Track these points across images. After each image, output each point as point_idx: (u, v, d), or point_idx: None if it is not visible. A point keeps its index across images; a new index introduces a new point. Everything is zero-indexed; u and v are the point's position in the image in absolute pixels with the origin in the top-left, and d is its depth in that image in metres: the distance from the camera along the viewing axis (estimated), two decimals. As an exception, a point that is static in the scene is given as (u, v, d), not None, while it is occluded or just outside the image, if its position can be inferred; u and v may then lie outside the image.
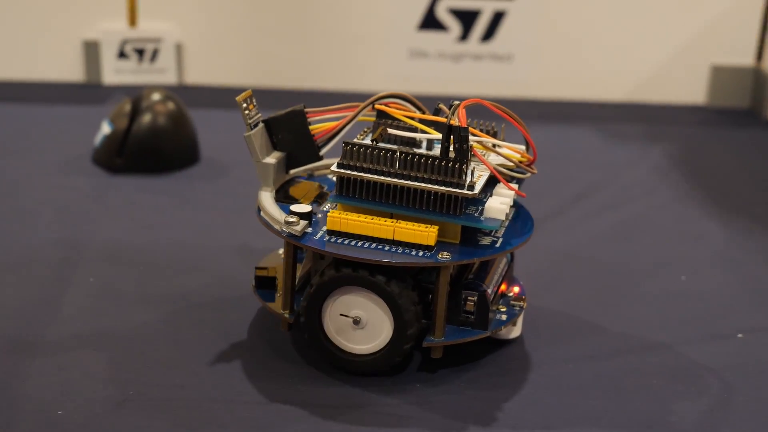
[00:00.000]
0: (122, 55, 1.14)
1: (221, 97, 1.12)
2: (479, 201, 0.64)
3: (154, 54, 1.13)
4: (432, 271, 0.62)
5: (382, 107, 0.65)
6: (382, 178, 0.61)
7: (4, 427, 0.58)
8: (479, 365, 0.67)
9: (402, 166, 0.61)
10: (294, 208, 0.63)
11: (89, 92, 1.13)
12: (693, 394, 0.66)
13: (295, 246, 0.63)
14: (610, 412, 0.64)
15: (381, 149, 0.61)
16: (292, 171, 0.68)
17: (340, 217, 0.61)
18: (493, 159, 0.66)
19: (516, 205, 0.68)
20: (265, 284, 0.66)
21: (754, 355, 0.72)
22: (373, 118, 0.66)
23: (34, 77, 1.13)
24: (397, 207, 0.62)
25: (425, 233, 0.61)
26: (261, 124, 0.66)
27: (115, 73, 1.14)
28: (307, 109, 0.65)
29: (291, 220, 0.62)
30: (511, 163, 0.66)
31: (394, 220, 0.62)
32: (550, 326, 0.73)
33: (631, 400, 0.65)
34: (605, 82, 1.19)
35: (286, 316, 0.64)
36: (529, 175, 0.66)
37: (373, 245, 0.61)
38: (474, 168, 0.63)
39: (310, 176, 0.69)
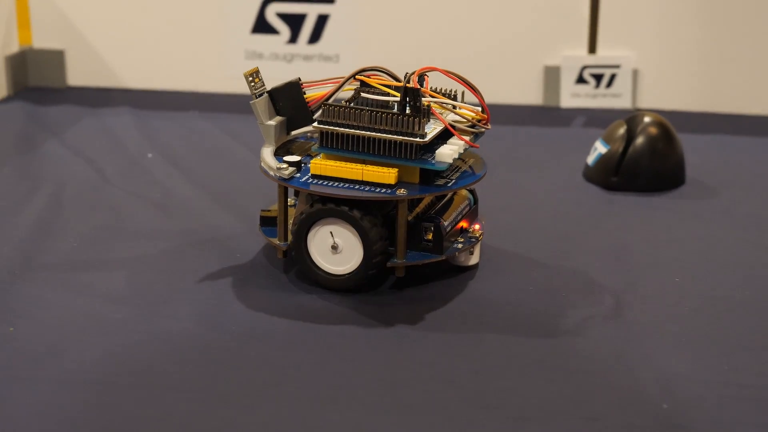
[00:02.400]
0: (580, 80, 1.19)
1: (683, 122, 1.14)
2: (432, 148, 0.76)
3: (611, 79, 1.19)
4: (396, 204, 0.76)
5: (363, 78, 0.78)
6: (353, 131, 0.75)
7: None
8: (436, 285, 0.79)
9: (369, 121, 0.74)
10: (286, 158, 0.77)
11: (548, 114, 1.19)
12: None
13: (286, 187, 0.77)
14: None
15: (352, 108, 0.75)
16: (293, 132, 0.81)
17: (321, 164, 0.76)
18: (451, 117, 0.78)
19: (483, 161, 0.81)
20: (268, 223, 0.80)
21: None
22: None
23: (496, 100, 1.19)
24: (367, 155, 0.75)
25: (387, 174, 0.74)
26: (265, 95, 0.79)
27: (572, 96, 1.20)
28: (302, 81, 0.78)
29: (281, 166, 0.76)
30: (466, 120, 0.78)
31: (364, 165, 0.75)
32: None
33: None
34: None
35: (280, 244, 0.79)
36: (484, 130, 0.79)
37: (346, 185, 0.75)
38: (433, 123, 0.77)
39: (310, 137, 0.82)
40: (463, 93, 0.80)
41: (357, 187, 0.75)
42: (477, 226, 0.81)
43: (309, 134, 0.83)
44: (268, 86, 0.79)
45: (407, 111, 0.75)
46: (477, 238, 0.80)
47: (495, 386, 0.67)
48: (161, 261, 0.83)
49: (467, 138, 0.77)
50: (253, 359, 0.69)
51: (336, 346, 0.71)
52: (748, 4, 1.17)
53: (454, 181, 0.77)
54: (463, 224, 0.80)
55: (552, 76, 1.20)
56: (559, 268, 0.83)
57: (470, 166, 0.80)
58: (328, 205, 0.75)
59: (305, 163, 0.78)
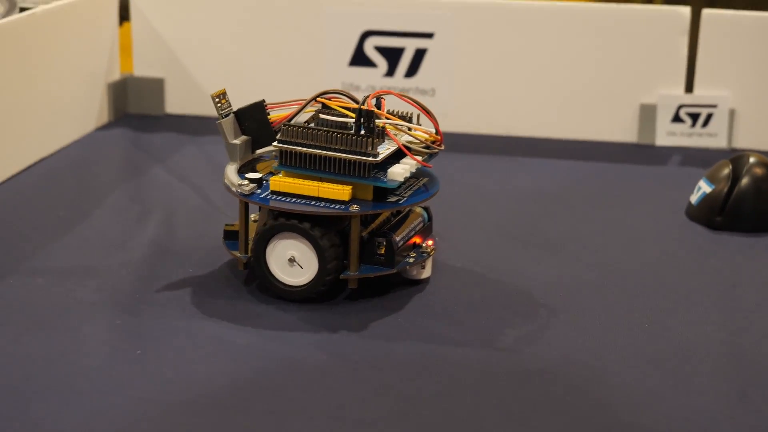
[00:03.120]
0: (676, 119, 1.20)
1: None
2: (386, 167, 0.81)
3: (708, 119, 1.20)
4: (350, 220, 0.81)
5: (324, 100, 0.84)
6: (310, 150, 0.81)
7: None
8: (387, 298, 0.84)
9: (325, 140, 0.80)
10: (248, 175, 0.83)
11: (643, 152, 1.20)
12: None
13: (246, 203, 0.83)
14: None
15: (310, 128, 0.80)
16: (258, 151, 0.87)
17: (280, 180, 0.81)
18: (405, 138, 0.84)
19: (436, 180, 0.87)
20: (230, 236, 0.86)
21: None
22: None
23: (591, 137, 1.22)
24: (324, 173, 0.81)
25: (341, 191, 0.80)
26: (231, 114, 0.84)
27: (667, 135, 1.21)
28: (266, 103, 0.84)
29: (242, 182, 0.82)
30: (419, 141, 0.84)
31: (320, 182, 0.81)
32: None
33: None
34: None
35: (241, 257, 0.84)
36: (437, 150, 0.84)
37: (303, 201, 0.81)
38: (387, 144, 0.82)
39: (274, 156, 0.87)
40: (418, 116, 0.85)
41: (313, 203, 0.80)
42: (430, 242, 0.86)
43: (273, 153, 0.87)
44: (235, 107, 0.85)
45: (361, 132, 0.81)
46: (428, 253, 0.86)
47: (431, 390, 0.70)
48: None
49: (419, 158, 0.83)
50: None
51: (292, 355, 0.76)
52: None
53: (405, 198, 0.83)
54: (416, 240, 0.86)
55: (648, 114, 1.21)
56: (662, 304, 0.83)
57: (424, 185, 0.85)
58: (290, 221, 0.81)
59: (266, 180, 0.83)
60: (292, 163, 0.81)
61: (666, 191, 1.08)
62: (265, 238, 0.81)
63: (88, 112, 1.23)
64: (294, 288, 0.82)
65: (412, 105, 0.84)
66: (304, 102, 0.84)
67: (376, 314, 0.81)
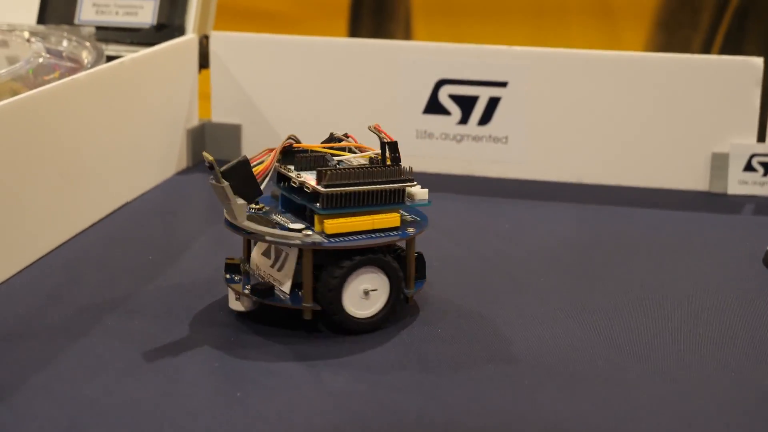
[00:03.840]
0: (749, 167, 1.22)
1: None
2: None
3: (780, 169, 1.25)
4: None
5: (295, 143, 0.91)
6: (355, 188, 0.85)
7: None
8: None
9: (365, 177, 0.85)
10: (291, 225, 0.87)
11: (715, 201, 1.22)
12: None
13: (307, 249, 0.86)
14: None
15: (350, 169, 0.85)
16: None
17: (334, 223, 0.84)
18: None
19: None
20: (232, 270, 0.91)
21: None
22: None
23: (663, 185, 1.25)
24: (365, 206, 0.85)
25: (393, 219, 0.86)
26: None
27: (739, 184, 1.23)
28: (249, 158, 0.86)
29: (307, 232, 0.86)
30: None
31: (371, 216, 0.85)
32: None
33: None
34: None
35: (310, 306, 0.86)
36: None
37: (360, 236, 0.85)
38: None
39: (256, 210, 0.91)
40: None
41: (372, 235, 0.85)
42: None
43: (253, 206, 0.90)
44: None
45: (388, 162, 0.87)
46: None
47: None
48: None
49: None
50: None
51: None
52: None
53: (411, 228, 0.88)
54: None
55: (720, 163, 1.22)
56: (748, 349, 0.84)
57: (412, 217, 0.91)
58: (376, 254, 0.85)
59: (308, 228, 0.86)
60: (338, 205, 0.85)
61: (741, 240, 1.09)
62: (344, 278, 0.84)
63: (169, 158, 1.26)
64: (368, 319, 0.86)
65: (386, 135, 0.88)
66: (273, 151, 0.89)
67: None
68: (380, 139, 0.88)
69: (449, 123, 1.28)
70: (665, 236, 1.11)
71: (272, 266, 0.89)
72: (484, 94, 1.26)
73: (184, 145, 1.28)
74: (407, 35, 2.04)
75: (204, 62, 1.31)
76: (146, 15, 1.31)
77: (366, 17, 2.16)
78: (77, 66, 1.17)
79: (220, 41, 1.31)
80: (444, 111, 1.27)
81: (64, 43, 1.19)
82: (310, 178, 0.87)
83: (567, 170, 1.26)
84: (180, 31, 1.30)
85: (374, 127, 0.88)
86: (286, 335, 0.85)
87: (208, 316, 0.89)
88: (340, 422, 0.74)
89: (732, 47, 1.88)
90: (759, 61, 1.20)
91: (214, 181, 0.84)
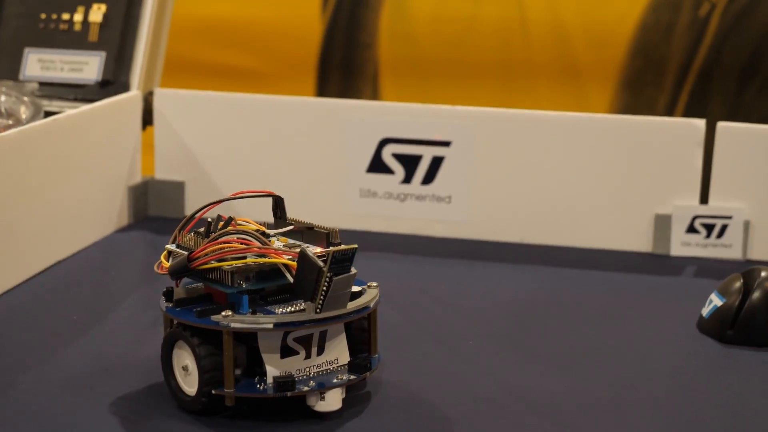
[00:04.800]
0: (691, 229, 1.22)
1: None
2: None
3: (722, 230, 1.21)
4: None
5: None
6: None
7: None
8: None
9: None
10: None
11: (657, 262, 1.21)
12: None
13: None
14: None
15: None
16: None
17: None
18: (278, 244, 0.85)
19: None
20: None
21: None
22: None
23: (606, 246, 1.24)
24: None
25: None
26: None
27: (682, 245, 1.23)
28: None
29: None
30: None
31: None
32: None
33: None
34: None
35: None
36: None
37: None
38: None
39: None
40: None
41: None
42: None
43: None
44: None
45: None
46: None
47: None
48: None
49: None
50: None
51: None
52: None
53: None
54: None
55: (663, 224, 1.22)
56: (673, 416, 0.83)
57: None
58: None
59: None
60: None
61: (679, 303, 1.08)
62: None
63: (109, 215, 1.25)
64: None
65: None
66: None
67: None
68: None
69: (393, 182, 1.27)
70: (604, 298, 1.10)
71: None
72: (427, 153, 1.26)
73: (125, 201, 1.27)
74: (375, 94, 2.04)
75: (148, 119, 1.30)
76: (91, 71, 1.30)
77: (334, 75, 2.16)
78: (15, 122, 1.16)
79: (165, 98, 1.30)
80: (387, 170, 1.27)
81: (2, 98, 1.19)
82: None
83: (509, 230, 1.25)
84: (125, 87, 1.29)
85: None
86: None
87: (125, 379, 0.87)
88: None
89: (697, 108, 1.88)
90: (701, 122, 1.20)
91: (333, 275, 0.78)
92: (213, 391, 0.79)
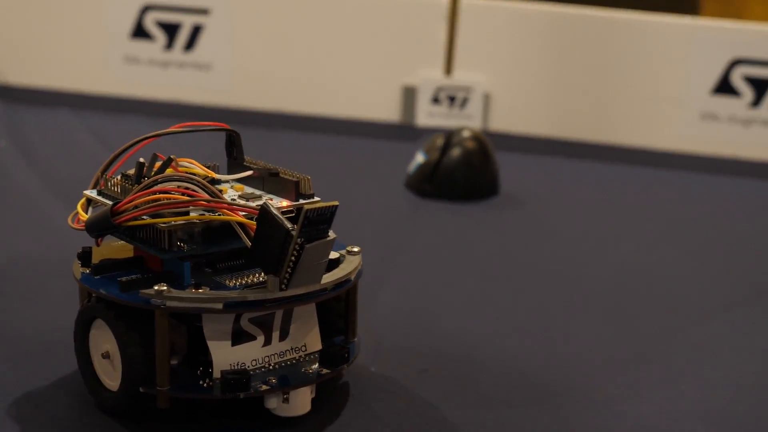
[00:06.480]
0: (436, 100, 1.27)
1: (522, 144, 1.25)
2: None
3: (464, 101, 1.27)
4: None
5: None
6: None
7: None
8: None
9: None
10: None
11: (404, 131, 1.26)
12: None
13: None
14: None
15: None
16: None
17: None
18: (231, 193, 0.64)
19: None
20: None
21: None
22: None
23: (355, 115, 1.28)
24: None
25: None
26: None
27: (427, 116, 1.27)
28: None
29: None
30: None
31: None
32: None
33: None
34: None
35: None
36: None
37: None
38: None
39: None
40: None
41: None
42: None
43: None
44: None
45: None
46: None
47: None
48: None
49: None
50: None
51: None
52: (593, 39, 1.25)
53: None
54: None
55: (410, 95, 1.27)
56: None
57: None
58: None
59: None
60: None
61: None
62: None
63: None
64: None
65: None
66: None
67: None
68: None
69: (155, 49, 1.30)
70: (354, 162, 1.15)
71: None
72: (187, 21, 1.29)
73: None
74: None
75: None
76: None
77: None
78: None
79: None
80: (149, 37, 1.30)
81: None
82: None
83: (270, 99, 1.30)
84: None
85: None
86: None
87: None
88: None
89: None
90: (444, -2, 1.26)
91: (306, 241, 0.56)
92: (141, 389, 0.58)
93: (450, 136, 1.06)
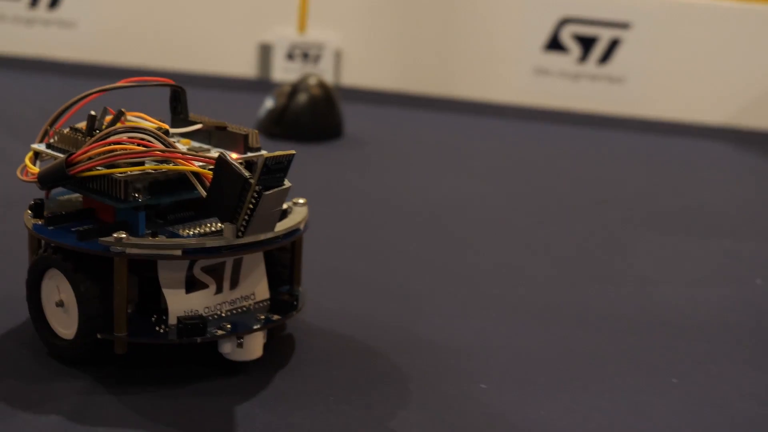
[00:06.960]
0: (290, 57, 1.33)
1: (370, 97, 1.33)
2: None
3: (317, 58, 1.33)
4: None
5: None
6: None
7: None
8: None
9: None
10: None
11: (260, 86, 1.32)
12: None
13: None
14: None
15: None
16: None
17: None
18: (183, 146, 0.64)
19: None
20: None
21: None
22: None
23: (213, 70, 1.34)
24: None
25: None
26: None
27: (283, 71, 1.34)
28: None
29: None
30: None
31: None
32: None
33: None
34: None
35: None
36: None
37: None
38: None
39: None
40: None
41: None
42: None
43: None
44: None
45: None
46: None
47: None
48: None
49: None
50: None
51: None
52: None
53: None
54: None
55: (266, 52, 1.36)
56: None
57: None
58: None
59: None
60: None
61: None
62: None
63: None
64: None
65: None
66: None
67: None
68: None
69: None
70: (204, 113, 1.22)
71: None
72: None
73: None
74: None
75: None
76: None
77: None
78: None
79: None
80: None
81: None
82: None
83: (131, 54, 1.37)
84: None
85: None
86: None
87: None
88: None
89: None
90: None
91: (263, 189, 0.57)
92: (98, 335, 0.60)
93: (297, 83, 1.14)
